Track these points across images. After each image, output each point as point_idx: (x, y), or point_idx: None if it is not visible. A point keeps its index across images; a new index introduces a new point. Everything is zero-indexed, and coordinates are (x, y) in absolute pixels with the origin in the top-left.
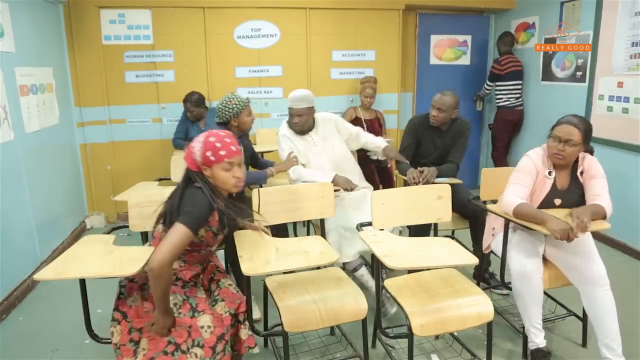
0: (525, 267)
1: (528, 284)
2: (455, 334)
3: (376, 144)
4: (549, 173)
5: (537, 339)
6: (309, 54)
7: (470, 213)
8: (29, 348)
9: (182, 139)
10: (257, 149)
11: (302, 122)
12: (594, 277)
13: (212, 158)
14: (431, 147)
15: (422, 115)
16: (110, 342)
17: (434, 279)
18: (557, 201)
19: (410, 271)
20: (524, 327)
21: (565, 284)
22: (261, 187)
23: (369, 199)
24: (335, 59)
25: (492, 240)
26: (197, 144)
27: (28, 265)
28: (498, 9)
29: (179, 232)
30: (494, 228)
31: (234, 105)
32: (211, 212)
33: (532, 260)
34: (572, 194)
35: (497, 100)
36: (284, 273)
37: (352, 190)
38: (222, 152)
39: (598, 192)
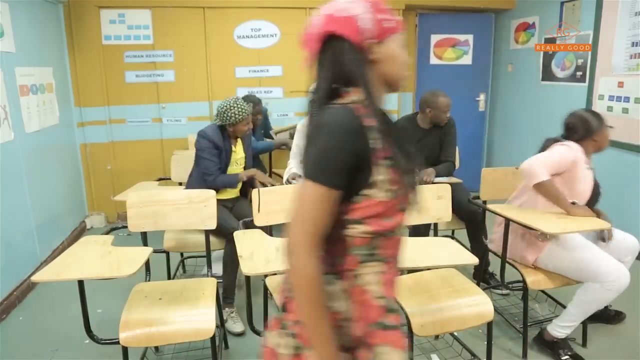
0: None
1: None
2: (455, 334)
3: None
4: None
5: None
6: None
7: (467, 214)
8: (29, 348)
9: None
10: None
11: None
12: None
13: (390, 25)
14: (419, 147)
15: (408, 117)
16: (110, 343)
17: (434, 279)
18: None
19: (410, 271)
20: (524, 326)
21: (565, 283)
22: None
23: None
24: None
25: (542, 251)
26: (355, 5)
27: (28, 265)
28: (498, 9)
29: (305, 195)
30: (540, 234)
31: (233, 115)
32: (360, 139)
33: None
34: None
35: None
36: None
37: None
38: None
39: None
